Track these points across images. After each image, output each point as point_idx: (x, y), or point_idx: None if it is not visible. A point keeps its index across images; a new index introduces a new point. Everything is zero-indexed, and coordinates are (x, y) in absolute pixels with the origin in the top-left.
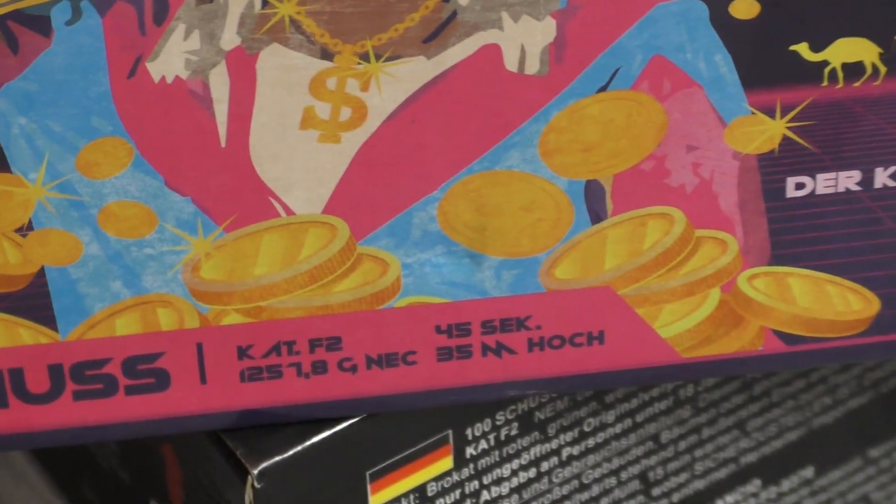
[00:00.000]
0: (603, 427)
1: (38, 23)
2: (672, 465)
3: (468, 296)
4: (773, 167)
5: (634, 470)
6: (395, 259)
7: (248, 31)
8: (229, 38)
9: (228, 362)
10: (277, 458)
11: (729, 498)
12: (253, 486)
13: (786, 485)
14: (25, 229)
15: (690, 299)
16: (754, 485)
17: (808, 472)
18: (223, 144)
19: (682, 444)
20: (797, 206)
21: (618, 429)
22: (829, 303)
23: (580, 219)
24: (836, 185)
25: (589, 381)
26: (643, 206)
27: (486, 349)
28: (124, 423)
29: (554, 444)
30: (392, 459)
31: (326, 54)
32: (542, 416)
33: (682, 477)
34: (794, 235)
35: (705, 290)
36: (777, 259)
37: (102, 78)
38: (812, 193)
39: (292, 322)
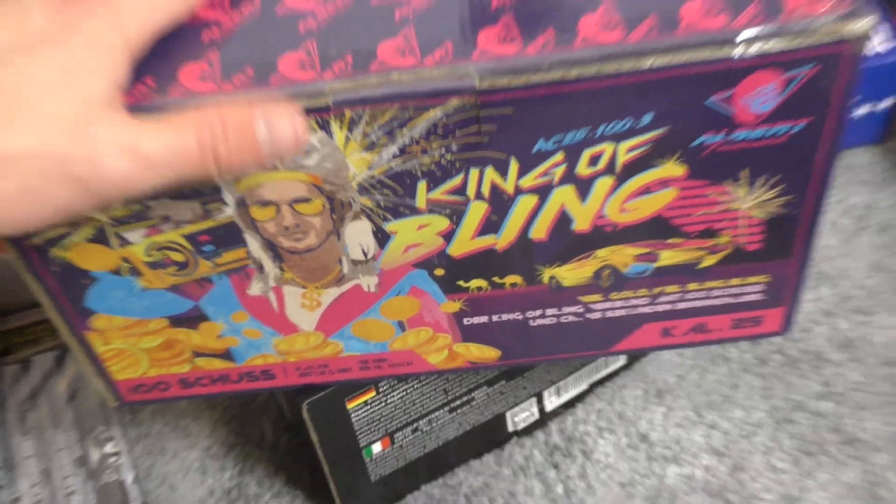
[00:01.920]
0: None
1: None
2: None
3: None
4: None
5: None
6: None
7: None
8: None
9: (292, 373)
10: (314, 396)
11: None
12: (306, 408)
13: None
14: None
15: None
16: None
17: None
18: (276, 310)
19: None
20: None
21: None
22: (483, 355)
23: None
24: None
25: None
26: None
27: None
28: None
29: None
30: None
31: (303, 287)
32: None
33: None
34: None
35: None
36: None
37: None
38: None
39: (313, 360)
